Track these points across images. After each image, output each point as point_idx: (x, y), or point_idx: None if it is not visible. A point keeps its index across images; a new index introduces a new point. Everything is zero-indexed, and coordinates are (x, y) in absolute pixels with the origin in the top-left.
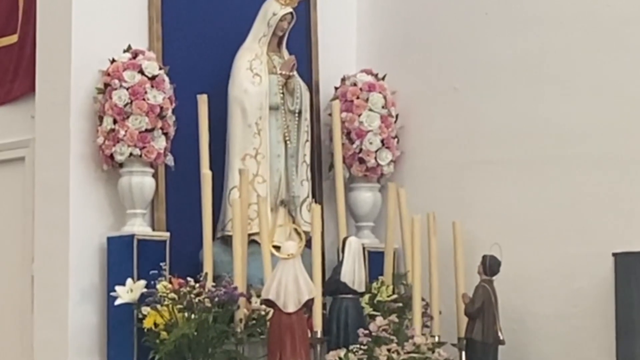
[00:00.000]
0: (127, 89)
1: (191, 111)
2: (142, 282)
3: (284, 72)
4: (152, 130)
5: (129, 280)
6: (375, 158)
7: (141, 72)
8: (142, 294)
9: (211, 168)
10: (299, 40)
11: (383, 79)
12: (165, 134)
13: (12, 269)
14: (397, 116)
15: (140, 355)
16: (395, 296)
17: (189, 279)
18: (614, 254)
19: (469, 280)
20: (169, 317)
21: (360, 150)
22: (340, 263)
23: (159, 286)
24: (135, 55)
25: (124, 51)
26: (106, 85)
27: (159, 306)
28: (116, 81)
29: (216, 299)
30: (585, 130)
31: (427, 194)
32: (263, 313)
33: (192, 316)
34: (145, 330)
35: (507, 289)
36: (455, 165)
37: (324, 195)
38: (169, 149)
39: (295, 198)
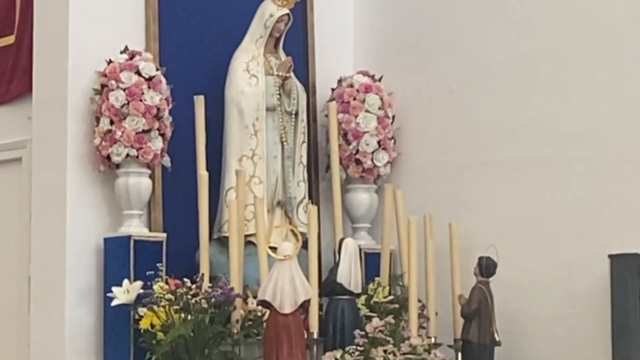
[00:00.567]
0: (124, 90)
1: (188, 112)
2: (139, 283)
3: (280, 74)
4: (148, 131)
5: (126, 281)
6: (372, 159)
7: (138, 73)
8: (139, 295)
9: (208, 169)
10: (295, 42)
11: (380, 80)
12: (162, 135)
13: (9, 269)
14: (393, 117)
15: (137, 356)
16: (391, 297)
17: (185, 279)
18: (610, 256)
19: (465, 282)
20: (165, 318)
21: (357, 151)
22: (336, 264)
23: (155, 287)
24: (132, 56)
25: (121, 52)
26: (103, 86)
27: (155, 307)
28: (113, 82)
29: (213, 300)
30: (581, 131)
31: (424, 195)
32: (259, 314)
33: (189, 317)
34: (142, 331)
35: (504, 291)
36: (452, 166)
37: (321, 196)
38: (166, 149)
39: (291, 199)
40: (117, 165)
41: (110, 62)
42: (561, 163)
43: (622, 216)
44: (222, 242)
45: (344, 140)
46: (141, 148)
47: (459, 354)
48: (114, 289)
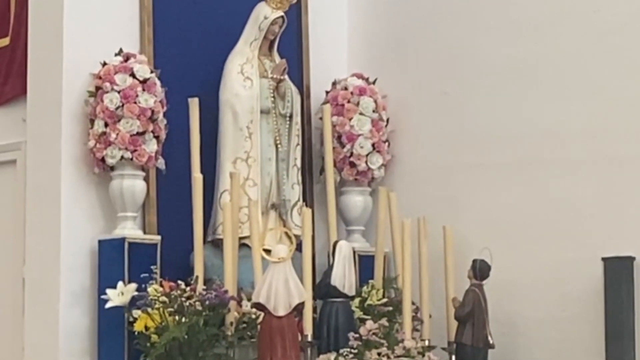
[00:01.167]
0: (119, 92)
1: (182, 114)
2: (133, 285)
3: (275, 76)
4: (143, 133)
5: (120, 284)
6: (366, 162)
7: (132, 75)
8: (133, 297)
9: (202, 171)
10: (290, 44)
11: (374, 83)
12: (157, 137)
13: (3, 271)
14: (387, 120)
15: (131, 359)
16: (385, 300)
17: (179, 282)
18: (604, 259)
19: (459, 284)
20: (159, 321)
21: (351, 154)
22: (330, 267)
23: (149, 289)
24: (126, 58)
25: (116, 54)
26: (97, 88)
27: (149, 309)
28: (107, 84)
29: (207, 302)
30: (575, 134)
31: (418, 198)
32: (254, 316)
33: (183, 319)
34: (136, 333)
35: (497, 293)
36: (446, 169)
37: (315, 198)
38: (160, 152)
39: (286, 202)
40: (112, 168)
41: (104, 64)
42: (555, 166)
43: (615, 219)
44: (217, 245)
45: (338, 143)
46: (135, 150)
47: (453, 357)
48: (108, 291)
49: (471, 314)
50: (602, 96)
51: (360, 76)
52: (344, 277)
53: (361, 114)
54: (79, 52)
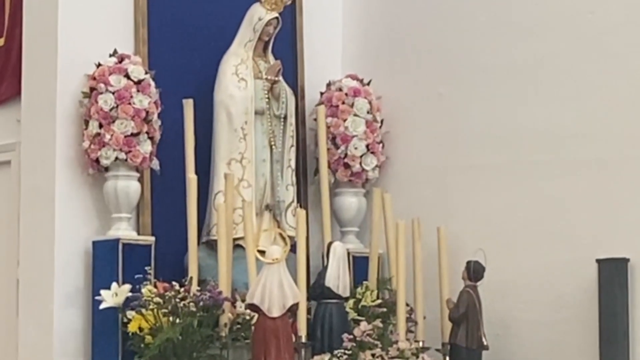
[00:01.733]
0: (113, 93)
1: (177, 115)
2: (127, 286)
3: (269, 77)
4: (137, 134)
5: (114, 284)
6: (360, 163)
7: (127, 76)
8: (127, 298)
9: (196, 172)
10: (284, 45)
11: (368, 84)
12: (151, 138)
13: None
14: (382, 121)
15: (125, 359)
16: (379, 301)
17: (174, 283)
18: (598, 260)
19: (453, 286)
20: (153, 321)
21: (346, 155)
22: (324, 268)
23: (144, 290)
24: (121, 59)
25: (110, 55)
26: (92, 89)
27: (144, 310)
28: (102, 85)
29: (201, 303)
30: (569, 136)
31: (412, 199)
32: (248, 317)
33: (177, 320)
34: (130, 334)
35: (491, 295)
36: (440, 170)
37: (309, 200)
38: (155, 153)
39: (280, 203)
40: (106, 169)
41: (99, 65)
42: (549, 167)
43: (609, 221)
44: (211, 246)
45: (333, 144)
46: (130, 151)
47: (447, 358)
48: (102, 292)
49: (465, 315)
50: (596, 98)
51: (354, 77)
52: (338, 278)
53: (355, 115)
54: (73, 53)
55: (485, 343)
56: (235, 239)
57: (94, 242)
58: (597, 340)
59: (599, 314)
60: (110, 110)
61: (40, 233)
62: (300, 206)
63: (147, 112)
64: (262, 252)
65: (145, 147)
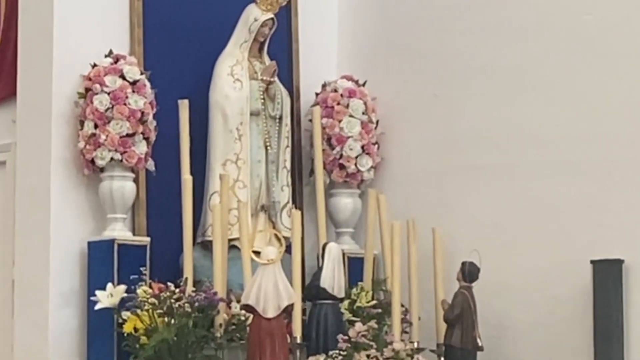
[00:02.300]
0: (108, 94)
1: (172, 116)
2: (123, 287)
3: (265, 78)
4: (133, 135)
5: (109, 285)
6: (356, 164)
7: (122, 77)
8: (123, 299)
9: (192, 173)
10: (280, 46)
11: (364, 85)
12: (146, 139)
13: None
14: (377, 122)
15: None
16: (374, 302)
17: (169, 283)
18: (593, 262)
19: (448, 287)
20: (149, 322)
21: (341, 156)
22: (320, 269)
23: (139, 291)
24: (116, 60)
25: (105, 56)
26: (87, 89)
27: (139, 311)
28: (97, 86)
29: (196, 304)
30: (564, 137)
31: (407, 200)
32: (243, 318)
33: (172, 321)
34: (125, 334)
35: (486, 296)
36: (435, 171)
37: (304, 200)
38: (150, 153)
39: (275, 203)
40: (101, 169)
41: (94, 65)
42: (544, 169)
43: (604, 222)
44: (206, 246)
45: (328, 145)
46: (125, 152)
47: (442, 359)
48: (97, 292)
49: (460, 316)
50: (591, 100)
51: (350, 78)
52: (333, 279)
53: (351, 116)
54: (68, 53)
55: (480, 344)
56: (230, 240)
57: (89, 243)
58: (592, 341)
59: (594, 315)
60: (106, 110)
61: (36, 233)
62: (296, 207)
63: (142, 113)
64: (257, 253)
65: (141, 148)
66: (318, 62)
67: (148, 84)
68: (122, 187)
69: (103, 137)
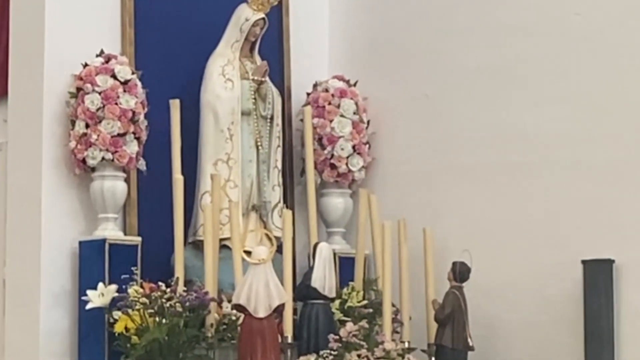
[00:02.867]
0: (100, 94)
1: (163, 116)
2: (114, 287)
3: (256, 78)
4: (124, 134)
5: (101, 285)
6: (347, 164)
7: (114, 76)
8: (114, 298)
9: (183, 173)
10: (271, 46)
11: (355, 85)
12: (138, 139)
13: None
14: (368, 122)
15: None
16: (365, 302)
17: (160, 283)
18: (583, 261)
19: (439, 287)
20: (140, 322)
21: (332, 156)
22: (311, 268)
23: (130, 290)
24: (107, 59)
25: (97, 55)
26: (79, 89)
27: (130, 310)
28: (89, 85)
29: (187, 304)
30: (554, 137)
31: (398, 200)
32: (234, 318)
33: (163, 321)
34: (117, 334)
35: (477, 296)
36: (426, 171)
37: (296, 200)
38: (141, 153)
39: (266, 203)
40: (93, 169)
41: (86, 65)
42: (535, 169)
43: (595, 222)
44: (197, 246)
45: (319, 145)
46: (116, 151)
47: (433, 359)
48: (88, 292)
49: (451, 316)
50: (583, 99)
51: (341, 78)
52: (324, 278)
53: (342, 116)
54: (60, 53)
55: (470, 344)
56: (221, 240)
57: (80, 243)
58: (583, 341)
59: (584, 314)
60: (97, 110)
61: (27, 233)
62: (287, 207)
63: (133, 113)
64: (248, 253)
65: (132, 148)
66: (309, 62)
67: (139, 84)
68: (113, 186)
69: (94, 136)
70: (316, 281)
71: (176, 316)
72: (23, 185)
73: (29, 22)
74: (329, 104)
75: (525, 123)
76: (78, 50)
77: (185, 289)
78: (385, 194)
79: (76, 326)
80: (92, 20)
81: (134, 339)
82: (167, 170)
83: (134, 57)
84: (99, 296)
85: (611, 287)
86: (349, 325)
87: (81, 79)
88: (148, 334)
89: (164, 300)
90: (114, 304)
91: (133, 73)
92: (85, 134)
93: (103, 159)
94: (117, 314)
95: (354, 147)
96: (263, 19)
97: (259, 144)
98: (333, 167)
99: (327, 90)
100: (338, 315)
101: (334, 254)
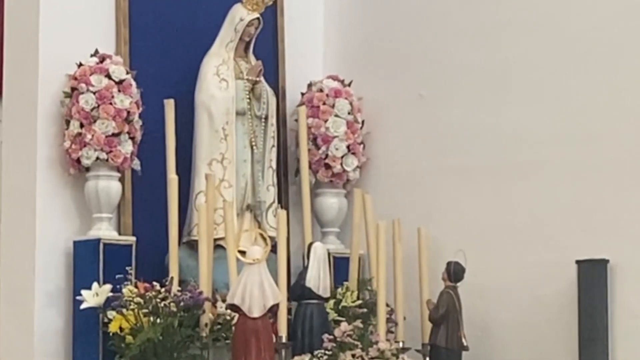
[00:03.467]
0: (94, 93)
1: (158, 116)
2: (108, 286)
3: (250, 78)
4: (118, 134)
5: (95, 284)
6: (341, 164)
7: (108, 76)
8: (108, 298)
9: (177, 173)
10: (265, 46)
11: (349, 85)
12: (132, 139)
13: None
14: (363, 122)
15: (106, 359)
16: (360, 302)
17: (154, 283)
18: (578, 262)
19: (433, 287)
20: (134, 322)
21: (326, 155)
22: (305, 268)
23: (124, 290)
24: (102, 59)
25: (91, 55)
26: (73, 89)
27: (124, 310)
28: (83, 85)
29: (182, 304)
30: (549, 138)
31: (393, 200)
32: (228, 318)
33: (158, 320)
34: (111, 334)
35: (472, 296)
36: (421, 171)
37: (290, 200)
38: (136, 153)
39: (261, 203)
40: (87, 169)
41: (80, 65)
42: (530, 169)
43: (589, 222)
44: (192, 246)
45: (314, 145)
46: (111, 151)
47: (427, 359)
48: (83, 292)
49: (445, 316)
50: (576, 101)
51: (335, 78)
52: (318, 278)
53: (336, 116)
54: (54, 53)
55: (465, 344)
56: (216, 239)
57: (74, 242)
58: (577, 341)
59: (579, 315)
60: (92, 110)
61: (21, 233)
62: (281, 207)
63: (128, 112)
64: (242, 253)
65: (126, 147)
66: (304, 62)
67: (134, 84)
68: (108, 186)
69: (89, 136)
70: (310, 281)
71: (170, 316)
72: (17, 185)
73: (23, 22)
74: (324, 103)
75: (520, 124)
76: (72, 50)
77: (179, 288)
78: (379, 193)
79: (70, 326)
80: (87, 20)
81: (129, 338)
82: (161, 170)
83: (128, 57)
84: (94, 296)
85: (606, 287)
86: (344, 325)
87: (76, 78)
88: (142, 334)
89: (158, 300)
90: (108, 303)
91: (127, 73)
92: (79, 134)
93: (97, 158)
94: (111, 313)
95: (348, 147)
96: (258, 18)
97: (253, 143)
98: (327, 167)
99: (321, 90)
100: (332, 315)
101: (329, 254)
